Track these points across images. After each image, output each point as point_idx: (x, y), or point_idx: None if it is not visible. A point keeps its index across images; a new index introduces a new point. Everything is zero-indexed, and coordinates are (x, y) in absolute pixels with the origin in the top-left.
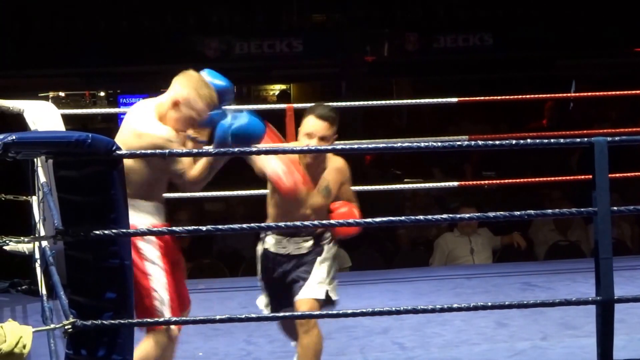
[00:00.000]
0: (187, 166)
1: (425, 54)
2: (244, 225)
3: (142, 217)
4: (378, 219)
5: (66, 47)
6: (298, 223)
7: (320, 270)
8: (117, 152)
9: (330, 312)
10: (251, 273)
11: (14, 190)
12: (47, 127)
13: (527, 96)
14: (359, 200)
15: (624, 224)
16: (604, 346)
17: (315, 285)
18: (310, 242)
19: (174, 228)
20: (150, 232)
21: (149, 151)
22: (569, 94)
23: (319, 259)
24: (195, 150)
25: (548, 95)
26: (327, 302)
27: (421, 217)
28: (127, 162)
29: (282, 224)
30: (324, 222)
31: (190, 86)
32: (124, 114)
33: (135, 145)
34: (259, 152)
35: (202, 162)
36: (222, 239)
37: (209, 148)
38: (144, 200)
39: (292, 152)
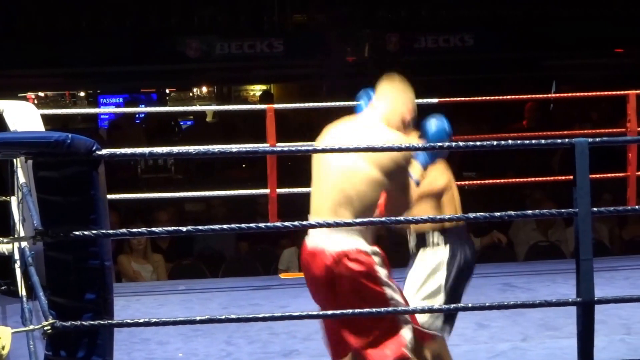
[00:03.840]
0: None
1: (406, 55)
2: (224, 226)
3: (361, 239)
4: (358, 220)
5: (47, 47)
6: (278, 224)
7: (409, 282)
8: (97, 152)
9: (310, 313)
10: (231, 274)
11: None
12: (26, 127)
13: (508, 97)
14: None
15: (600, 225)
16: (585, 347)
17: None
18: (413, 243)
19: (154, 229)
20: (130, 234)
21: (129, 151)
22: (549, 95)
23: (409, 270)
24: (176, 150)
25: (529, 96)
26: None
27: (401, 217)
28: (371, 174)
29: (262, 224)
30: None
31: (409, 98)
32: (104, 114)
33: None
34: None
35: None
36: (202, 240)
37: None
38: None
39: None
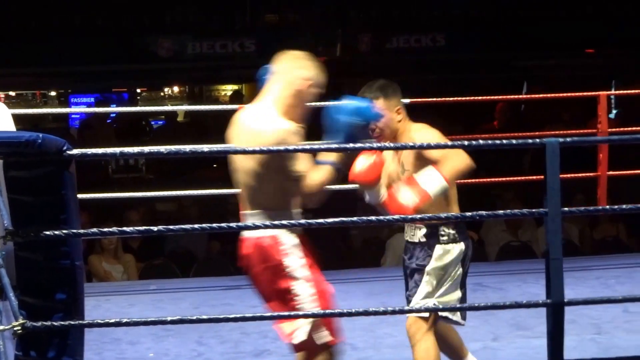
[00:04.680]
0: (306, 171)
1: (378, 54)
2: (196, 226)
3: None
4: (330, 220)
5: (17, 46)
6: (249, 223)
7: (426, 282)
8: (68, 152)
9: (281, 313)
10: (203, 274)
11: None
12: None
13: (479, 97)
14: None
15: (570, 225)
16: (555, 346)
17: (419, 302)
18: (424, 231)
19: (124, 228)
20: (101, 234)
21: (100, 151)
22: (521, 96)
23: (427, 267)
24: (158, 149)
25: (500, 97)
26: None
27: (373, 217)
28: (255, 170)
29: (234, 224)
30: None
31: (311, 66)
32: (75, 113)
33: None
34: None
35: (323, 171)
36: (174, 240)
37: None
38: (283, 209)
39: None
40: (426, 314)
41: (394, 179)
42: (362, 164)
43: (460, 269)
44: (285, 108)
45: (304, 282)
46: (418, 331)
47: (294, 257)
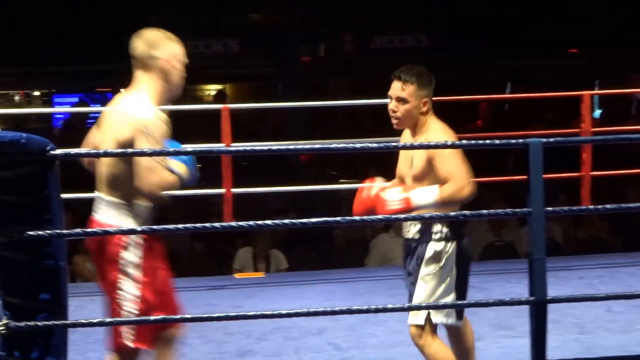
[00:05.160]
0: (153, 168)
1: (362, 55)
2: (179, 226)
3: (128, 220)
4: (314, 220)
5: (1, 46)
6: (233, 223)
7: (421, 286)
8: (52, 152)
9: (264, 313)
10: (186, 274)
11: None
12: None
13: (463, 97)
14: (295, 201)
15: (554, 225)
16: (538, 346)
17: (415, 309)
18: (418, 227)
19: (108, 229)
20: (85, 234)
21: (92, 151)
22: (504, 95)
23: (420, 273)
24: (146, 150)
25: (484, 97)
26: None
27: (357, 217)
28: (109, 160)
29: (217, 224)
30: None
31: (165, 42)
32: (59, 113)
33: (120, 136)
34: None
35: (169, 176)
36: None
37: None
38: (132, 200)
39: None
40: (422, 322)
41: (403, 174)
42: (393, 199)
43: (455, 270)
44: (155, 93)
45: (132, 282)
46: (420, 339)
47: (131, 253)
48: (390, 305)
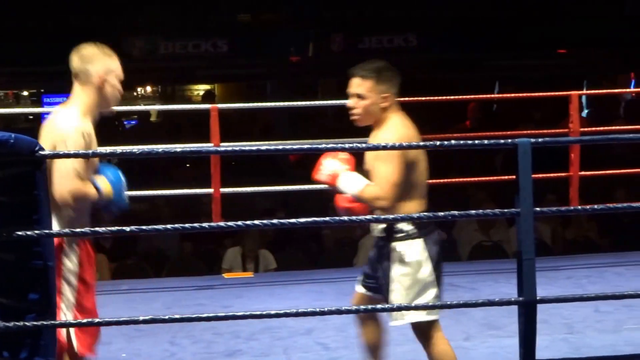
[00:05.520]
0: (65, 175)
1: (351, 55)
2: (168, 226)
3: (56, 225)
4: (302, 220)
5: None
6: (221, 224)
7: (395, 291)
8: (40, 152)
9: (253, 313)
10: (175, 274)
11: None
12: None
13: (451, 97)
14: (287, 201)
15: (542, 225)
16: (527, 346)
17: (395, 311)
18: (382, 225)
19: (97, 228)
20: (73, 234)
21: (72, 151)
22: (492, 95)
23: (392, 274)
24: (120, 150)
25: (472, 97)
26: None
27: (345, 217)
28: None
29: (206, 224)
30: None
31: (100, 58)
32: (48, 113)
33: (45, 147)
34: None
35: (86, 187)
36: (146, 240)
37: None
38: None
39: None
40: (404, 322)
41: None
42: (327, 170)
43: (428, 267)
44: (88, 106)
45: (71, 289)
46: (423, 336)
47: (69, 261)
48: (379, 306)
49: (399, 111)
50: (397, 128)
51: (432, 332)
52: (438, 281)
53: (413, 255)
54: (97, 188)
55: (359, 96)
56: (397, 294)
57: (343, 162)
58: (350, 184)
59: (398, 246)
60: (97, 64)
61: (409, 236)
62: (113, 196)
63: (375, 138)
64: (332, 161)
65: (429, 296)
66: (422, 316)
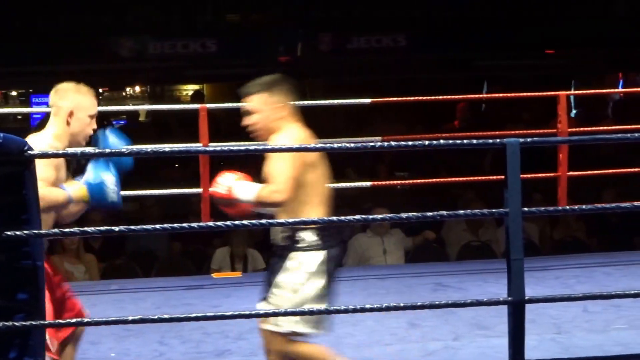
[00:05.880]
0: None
1: (339, 55)
2: (157, 226)
3: None
4: (291, 220)
5: None
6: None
7: (278, 293)
8: (29, 152)
9: (242, 313)
10: (164, 274)
11: None
12: None
13: (440, 97)
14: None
15: (530, 225)
16: (516, 346)
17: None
18: (284, 234)
19: (86, 228)
20: (62, 234)
21: (60, 151)
22: (481, 95)
23: (278, 279)
24: (108, 151)
25: (460, 97)
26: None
27: (334, 217)
28: None
29: (195, 224)
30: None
31: (72, 95)
32: (37, 113)
33: None
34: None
35: (55, 191)
36: (135, 240)
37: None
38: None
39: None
40: (280, 329)
41: None
42: (222, 184)
43: (323, 280)
44: (57, 134)
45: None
46: (274, 347)
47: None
48: (368, 305)
49: (296, 120)
50: (292, 132)
51: (299, 347)
52: (328, 298)
53: (310, 266)
54: (64, 191)
55: (252, 111)
56: (279, 299)
57: (237, 176)
58: (246, 190)
59: (298, 256)
60: (68, 100)
61: (311, 247)
62: (91, 198)
63: (270, 143)
64: (227, 175)
65: (318, 306)
66: (297, 327)
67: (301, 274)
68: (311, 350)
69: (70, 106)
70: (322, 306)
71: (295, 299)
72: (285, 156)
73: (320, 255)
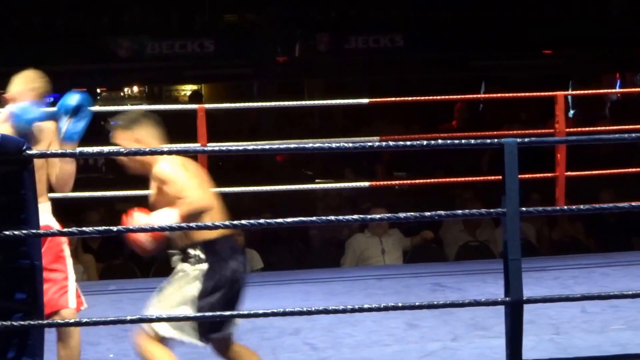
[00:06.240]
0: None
1: (337, 55)
2: (156, 226)
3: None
4: (289, 219)
5: None
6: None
7: (156, 294)
8: (28, 151)
9: (240, 312)
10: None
11: None
12: None
13: (438, 97)
14: (273, 201)
15: (527, 225)
16: (514, 346)
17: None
18: (178, 257)
19: (84, 228)
20: (60, 233)
21: (59, 151)
22: (479, 95)
23: (167, 282)
24: (109, 150)
25: (458, 97)
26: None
27: (332, 217)
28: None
29: (193, 224)
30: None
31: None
32: None
33: None
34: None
35: None
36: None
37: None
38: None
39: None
40: (149, 330)
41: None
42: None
43: (199, 287)
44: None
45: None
46: (141, 346)
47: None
48: (366, 305)
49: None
50: (168, 158)
51: (151, 347)
52: (202, 309)
53: (187, 276)
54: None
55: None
56: (155, 299)
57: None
58: (163, 215)
59: (184, 266)
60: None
61: (197, 261)
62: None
63: (153, 177)
64: (136, 214)
65: (180, 312)
66: (173, 333)
67: (178, 279)
68: (158, 354)
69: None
70: (183, 311)
71: (167, 300)
72: (172, 176)
73: (202, 266)
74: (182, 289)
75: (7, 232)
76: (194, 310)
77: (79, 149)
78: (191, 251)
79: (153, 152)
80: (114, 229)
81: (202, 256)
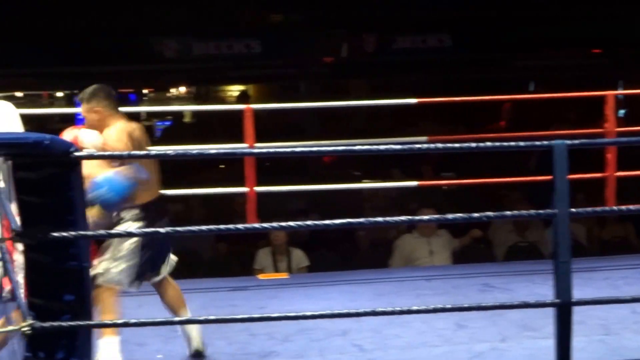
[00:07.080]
0: None
1: (384, 55)
2: (203, 227)
3: None
4: (337, 221)
5: (21, 47)
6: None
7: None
8: (75, 153)
9: (288, 314)
10: (210, 274)
11: None
12: (5, 127)
13: (486, 97)
14: (320, 202)
15: (577, 225)
16: (563, 348)
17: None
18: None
19: (131, 230)
20: (108, 235)
21: (107, 153)
22: (526, 95)
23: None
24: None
25: (507, 97)
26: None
27: (380, 218)
28: None
29: (240, 225)
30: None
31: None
32: (79, 114)
33: None
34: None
35: None
36: (180, 241)
37: None
38: None
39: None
40: (103, 277)
41: None
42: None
43: (134, 243)
44: None
45: None
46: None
47: None
48: (415, 307)
49: (121, 117)
50: (119, 124)
51: (108, 296)
52: (140, 258)
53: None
54: None
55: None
56: (108, 254)
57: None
58: (89, 137)
59: (125, 224)
60: None
61: (135, 217)
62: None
63: (103, 135)
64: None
65: (125, 263)
66: (113, 277)
67: (118, 240)
68: (110, 301)
69: None
70: (134, 261)
71: (113, 253)
72: (118, 134)
73: (138, 225)
74: (120, 244)
75: (56, 234)
76: (136, 260)
77: (126, 151)
78: (130, 212)
79: (201, 155)
80: (162, 230)
81: (139, 216)
